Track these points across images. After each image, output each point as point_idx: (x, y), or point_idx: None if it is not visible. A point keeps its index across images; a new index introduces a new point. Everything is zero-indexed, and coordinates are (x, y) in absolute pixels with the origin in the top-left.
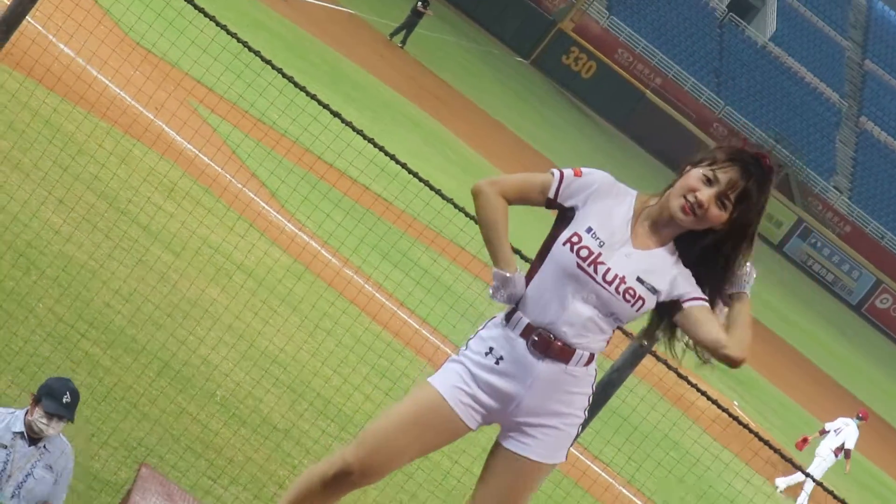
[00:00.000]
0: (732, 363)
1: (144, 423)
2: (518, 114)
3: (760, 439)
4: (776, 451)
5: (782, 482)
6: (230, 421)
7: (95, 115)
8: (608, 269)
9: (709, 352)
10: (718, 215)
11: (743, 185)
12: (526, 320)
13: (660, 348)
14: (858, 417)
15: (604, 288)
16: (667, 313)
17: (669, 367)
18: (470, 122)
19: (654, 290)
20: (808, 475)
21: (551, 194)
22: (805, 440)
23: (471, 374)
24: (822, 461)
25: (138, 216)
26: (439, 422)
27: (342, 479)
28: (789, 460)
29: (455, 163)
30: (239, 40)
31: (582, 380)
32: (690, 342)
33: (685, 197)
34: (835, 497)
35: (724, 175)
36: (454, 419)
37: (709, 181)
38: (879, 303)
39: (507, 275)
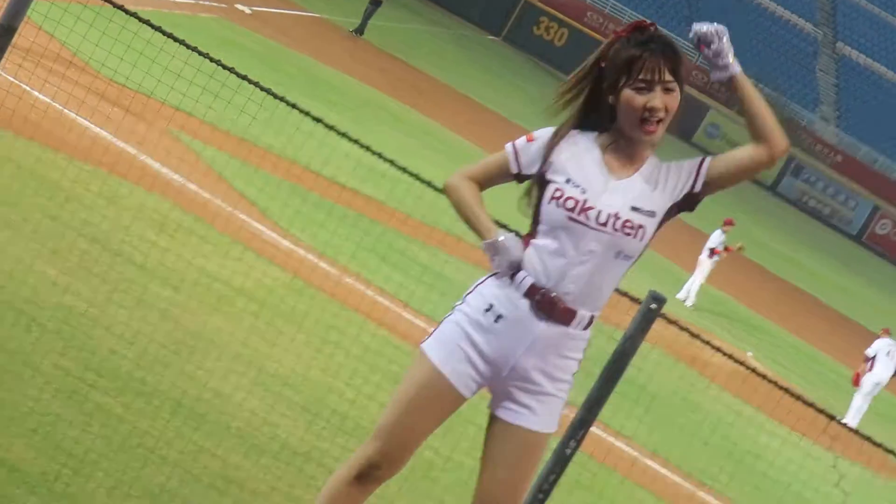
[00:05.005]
0: (779, 157)
1: (164, 467)
2: (497, 92)
3: (780, 387)
4: (797, 397)
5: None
6: (249, 452)
7: (78, 158)
8: (599, 212)
9: (757, 170)
10: (675, 99)
11: (663, 62)
12: (530, 280)
13: (668, 308)
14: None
15: (601, 231)
16: (693, 200)
17: (681, 327)
18: (450, 107)
19: (651, 213)
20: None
21: (514, 169)
22: (858, 375)
23: (466, 336)
24: (877, 387)
25: (133, 255)
26: (439, 396)
27: (369, 475)
28: (811, 404)
29: (441, 152)
30: (212, 59)
31: (579, 343)
32: None
33: (643, 119)
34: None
35: (646, 72)
36: (452, 390)
37: (643, 89)
38: (879, 229)
39: (492, 240)
